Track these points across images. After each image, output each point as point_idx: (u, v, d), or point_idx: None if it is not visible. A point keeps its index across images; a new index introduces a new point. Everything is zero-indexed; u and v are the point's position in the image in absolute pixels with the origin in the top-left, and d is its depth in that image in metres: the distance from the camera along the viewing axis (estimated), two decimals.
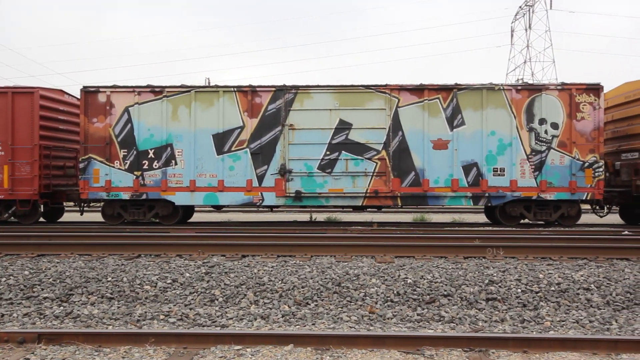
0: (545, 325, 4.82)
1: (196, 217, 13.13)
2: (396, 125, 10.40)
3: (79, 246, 7.27)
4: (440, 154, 10.44)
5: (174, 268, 6.24)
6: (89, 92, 10.40)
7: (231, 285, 5.71)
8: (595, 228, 10.35)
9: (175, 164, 10.47)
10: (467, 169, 10.46)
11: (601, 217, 11.72)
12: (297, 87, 10.49)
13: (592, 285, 5.78)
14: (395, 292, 5.53)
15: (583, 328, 4.74)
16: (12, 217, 10.56)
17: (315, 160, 10.43)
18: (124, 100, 10.45)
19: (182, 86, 10.57)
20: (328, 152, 10.41)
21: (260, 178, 10.49)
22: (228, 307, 5.25)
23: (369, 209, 11.18)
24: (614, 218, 12.30)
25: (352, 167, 10.43)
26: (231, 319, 4.90)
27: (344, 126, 10.41)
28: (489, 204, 10.89)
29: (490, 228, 10.32)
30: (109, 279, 5.84)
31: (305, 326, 4.73)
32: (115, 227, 10.15)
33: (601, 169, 10.40)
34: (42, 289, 5.56)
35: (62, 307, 5.15)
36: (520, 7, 38.46)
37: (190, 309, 5.18)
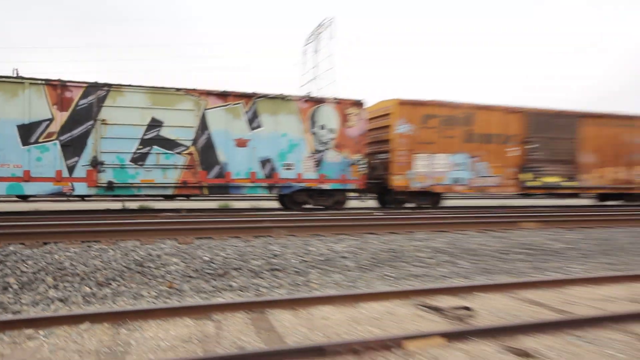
0: (312, 286, 5.35)
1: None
2: (204, 125, 11.56)
3: None
4: (241, 150, 11.82)
5: None
6: None
7: (28, 272, 5.34)
8: (357, 210, 12.55)
9: None
10: (263, 163, 12.00)
11: (363, 201, 14.82)
12: (109, 85, 10.99)
13: (348, 254, 6.61)
14: (193, 268, 5.69)
15: (339, 286, 5.40)
16: None
17: (128, 154, 11.04)
18: None
19: None
20: (140, 147, 11.11)
21: (71, 169, 10.72)
22: (24, 294, 4.86)
23: (179, 198, 12.23)
24: (373, 203, 14.96)
25: (163, 160, 11.28)
26: (26, 304, 4.57)
27: (155, 123, 11.22)
28: (281, 193, 12.52)
29: (280, 212, 11.78)
30: None
31: (105, 305, 4.60)
32: None
33: (364, 166, 12.78)
34: None
35: None
36: (310, 35, 43.93)
37: None
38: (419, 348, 3.47)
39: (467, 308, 4.42)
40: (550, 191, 15.00)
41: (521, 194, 14.89)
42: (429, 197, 13.92)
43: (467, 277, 6.15)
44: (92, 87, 10.95)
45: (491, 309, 4.63)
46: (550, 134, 14.81)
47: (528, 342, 3.67)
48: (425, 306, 4.60)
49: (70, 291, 4.96)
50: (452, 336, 3.61)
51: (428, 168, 13.53)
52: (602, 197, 17.16)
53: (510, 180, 14.42)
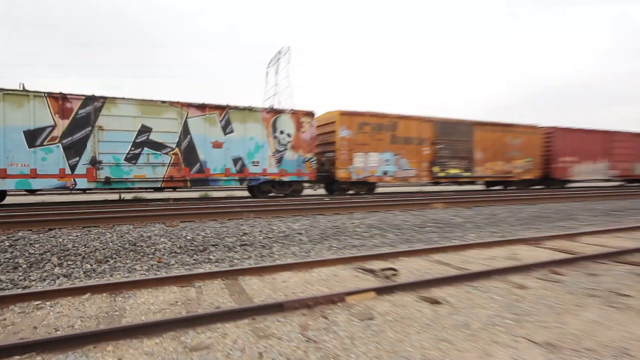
0: (275, 257, 5.36)
1: (11, 200, 11.83)
2: (186, 130, 11.25)
3: None
4: (217, 151, 11.61)
5: None
6: None
7: (35, 254, 5.06)
8: (310, 197, 12.63)
9: None
10: (235, 161, 11.84)
11: (315, 190, 14.94)
12: (105, 97, 10.45)
13: (303, 231, 6.70)
14: (178, 245, 5.56)
15: (296, 256, 5.44)
16: None
17: (122, 154, 10.59)
18: None
19: None
20: (133, 148, 10.68)
21: (73, 167, 10.19)
22: (31, 272, 4.56)
23: (167, 190, 11.89)
24: (322, 191, 15.15)
25: (152, 159, 10.88)
26: (35, 280, 4.33)
27: (145, 129, 10.79)
28: (250, 184, 12.40)
29: (249, 200, 11.73)
30: None
31: (103, 278, 4.38)
32: None
33: (314, 162, 12.90)
34: None
35: None
36: (270, 59, 44.04)
37: None
38: (357, 301, 3.53)
39: (393, 269, 4.54)
40: (454, 180, 15.65)
41: (433, 182, 15.42)
42: (365, 186, 14.18)
43: (393, 246, 6.32)
44: (89, 99, 10.38)
45: (411, 269, 4.78)
46: (452, 137, 15.42)
47: (437, 292, 3.83)
48: (361, 269, 4.69)
49: (73, 268, 4.74)
50: (381, 291, 3.70)
51: (364, 163, 13.77)
52: (489, 184, 18.08)
53: (424, 172, 14.93)
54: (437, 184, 15.67)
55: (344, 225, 7.33)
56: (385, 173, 14.14)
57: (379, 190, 18.33)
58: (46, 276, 4.46)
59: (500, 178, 16.65)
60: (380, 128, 14.02)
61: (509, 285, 4.09)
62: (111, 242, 5.62)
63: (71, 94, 10.24)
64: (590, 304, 3.58)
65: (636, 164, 20.45)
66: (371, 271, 4.55)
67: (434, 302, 3.52)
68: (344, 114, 13.48)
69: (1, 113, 9.55)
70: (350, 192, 14.10)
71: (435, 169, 15.05)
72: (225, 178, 11.86)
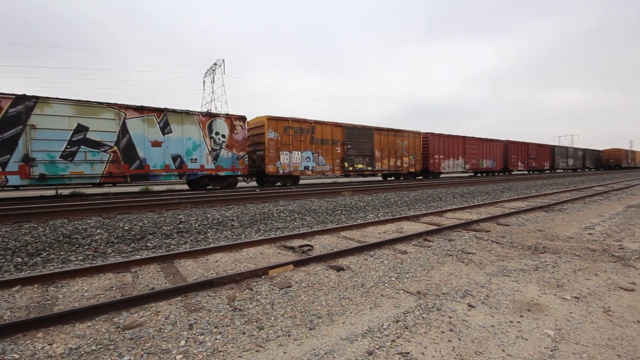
0: (209, 241, 5.11)
1: None
2: (124, 130, 10.10)
3: None
4: (157, 149, 10.60)
5: None
6: None
7: None
8: (243, 189, 12.22)
9: None
10: (174, 158, 10.94)
11: (247, 183, 14.58)
12: (37, 97, 8.88)
13: (235, 217, 6.49)
14: (115, 236, 5.07)
15: (228, 239, 5.05)
16: None
17: (58, 152, 9.12)
18: None
19: None
20: (69, 146, 9.27)
21: (4, 165, 8.52)
22: None
23: (107, 185, 10.59)
24: (254, 183, 15.10)
25: (90, 157, 9.58)
26: None
27: (81, 129, 9.43)
28: (189, 179, 11.63)
29: (188, 192, 10.99)
30: None
31: (35, 270, 3.87)
32: None
33: (246, 159, 12.51)
34: None
35: None
36: (207, 69, 42.68)
37: None
38: (278, 273, 3.53)
39: (309, 245, 4.63)
40: (359, 173, 16.44)
41: (344, 175, 16.01)
42: (291, 179, 14.18)
43: (310, 227, 6.43)
44: (19, 99, 8.72)
45: (323, 244, 4.91)
46: (358, 139, 16.17)
47: (342, 261, 4.00)
48: (284, 247, 4.69)
49: (2, 263, 4.06)
50: (298, 263, 3.75)
51: (288, 160, 13.75)
52: (385, 176, 19.38)
53: (337, 167, 15.42)
54: (347, 176, 16.30)
55: (270, 212, 7.27)
56: (306, 168, 14.31)
57: (302, 182, 18.49)
58: None
59: (393, 171, 17.94)
60: (301, 131, 14.12)
61: (394, 252, 4.43)
62: (44, 235, 4.96)
63: (1, 94, 8.51)
64: (447, 261, 4.06)
65: (481, 160, 23.66)
66: (291, 248, 4.58)
67: (340, 269, 3.67)
68: (271, 119, 13.30)
69: None
70: (278, 184, 14.00)
71: (346, 164, 15.66)
72: (165, 173, 10.89)
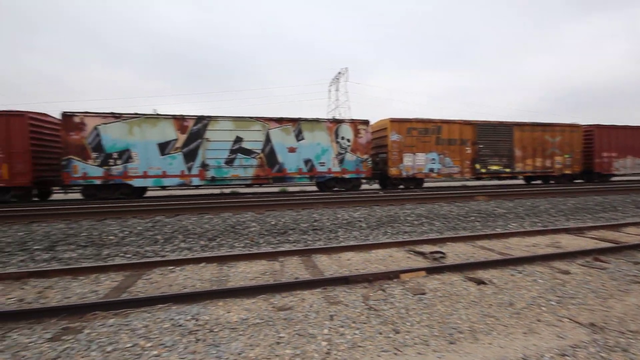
0: (340, 240, 5.42)
1: (148, 194, 13.33)
2: (268, 139, 11.71)
3: (61, 215, 6.55)
4: (292, 154, 11.90)
5: (130, 225, 5.84)
6: (67, 115, 10.11)
7: (168, 232, 5.46)
8: (367, 191, 12.40)
9: (133, 161, 10.60)
10: (306, 162, 12.04)
11: (370, 185, 14.66)
12: (210, 117, 11.28)
13: (362, 218, 6.62)
14: (265, 229, 5.77)
15: (357, 239, 5.47)
16: (12, 199, 9.98)
17: (222, 159, 11.28)
18: (94, 121, 10.31)
19: (135, 114, 10.77)
20: (230, 154, 11.36)
21: (190, 169, 11.04)
22: (166, 245, 4.97)
23: (255, 185, 12.47)
24: (377, 186, 14.95)
25: (244, 162, 11.48)
26: (168, 252, 4.74)
27: (238, 139, 11.42)
28: (318, 181, 12.56)
29: (318, 193, 11.84)
30: (83, 234, 5.29)
31: (213, 252, 4.68)
32: (91, 202, 10.17)
33: (370, 162, 12.66)
34: (33, 244, 4.92)
35: (48, 254, 4.57)
36: (332, 79, 44.78)
37: (141, 248, 4.87)
38: (409, 278, 3.44)
39: (441, 252, 4.34)
40: (494, 175, 14.39)
41: (475, 178, 14.33)
42: (414, 181, 13.63)
43: (440, 233, 6.02)
44: (200, 118, 11.26)
45: (457, 253, 4.52)
46: (492, 137, 14.19)
47: (482, 274, 3.58)
48: (413, 252, 4.54)
49: (192, 244, 5.18)
50: (431, 270, 3.56)
51: (412, 162, 13.23)
52: (528, 178, 16.35)
53: (467, 169, 13.93)
54: (479, 179, 14.52)
55: (396, 215, 7.15)
56: (431, 170, 13.46)
57: (427, 185, 17.50)
58: (175, 249, 4.97)
59: (540, 173, 14.95)
60: (426, 132, 13.37)
61: (552, 270, 3.69)
62: (217, 225, 6.08)
63: (187, 115, 11.22)
64: (635, 290, 3.11)
65: None
66: (421, 253, 4.39)
67: (480, 282, 3.30)
68: (393, 121, 13.08)
69: (142, 132, 10.78)
70: (401, 187, 13.64)
71: (477, 165, 13.98)
72: (299, 176, 12.14)
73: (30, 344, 2.22)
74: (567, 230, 5.68)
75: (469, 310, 2.72)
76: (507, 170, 14.33)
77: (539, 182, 16.38)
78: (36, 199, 10.96)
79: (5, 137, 9.56)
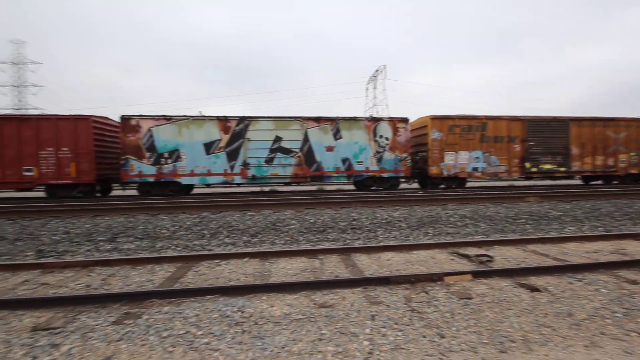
0: (379, 239, 5.31)
1: (195, 191, 14.12)
2: (306, 138, 11.87)
3: (121, 209, 7.16)
4: (330, 153, 11.94)
5: (180, 220, 6.22)
6: (125, 119, 11.00)
7: (213, 228, 5.70)
8: (406, 190, 12.11)
9: (181, 160, 11.24)
10: (344, 161, 12.01)
11: (409, 185, 14.26)
12: (251, 117, 11.68)
13: (402, 218, 6.48)
14: (304, 227, 5.85)
15: (397, 239, 5.33)
16: (79, 194, 11.10)
17: (262, 158, 11.63)
18: (148, 123, 11.12)
19: (184, 116, 11.43)
20: (269, 153, 11.67)
21: (232, 168, 11.52)
22: (212, 240, 5.19)
23: (293, 184, 12.69)
24: (416, 185, 14.40)
25: (283, 161, 11.74)
26: (214, 246, 4.93)
27: (277, 139, 11.70)
28: (356, 180, 12.49)
29: (356, 192, 11.72)
30: (140, 227, 5.73)
31: (255, 247, 4.84)
32: (146, 198, 10.98)
33: (409, 161, 12.37)
34: (98, 235, 5.38)
35: (111, 245, 4.96)
36: (370, 76, 44.10)
37: (190, 242, 5.12)
38: (455, 281, 3.30)
39: (487, 256, 4.12)
40: (547, 175, 13.30)
41: (524, 178, 13.35)
42: (456, 181, 13.04)
43: (486, 235, 5.71)
44: (241, 119, 11.69)
45: (505, 257, 4.26)
46: (545, 134, 13.12)
47: (535, 281, 3.34)
48: (457, 254, 4.36)
49: (236, 239, 5.37)
50: (477, 274, 3.39)
51: (454, 161, 12.67)
52: (587, 178, 14.89)
53: (515, 168, 13.04)
54: (529, 178, 13.49)
55: (438, 215, 6.89)
56: (474, 169, 12.78)
57: (470, 184, 16.65)
58: (220, 243, 5.20)
59: (601, 172, 13.55)
60: (469, 129, 12.72)
61: (617, 279, 3.34)
62: (259, 221, 6.28)
63: (230, 116, 11.71)
64: None
65: None
66: (466, 256, 4.19)
67: (533, 289, 3.08)
68: (435, 118, 12.60)
69: (190, 132, 11.43)
70: (442, 186, 13.11)
71: (527, 164, 13.01)
72: (336, 175, 12.15)
73: (97, 326, 2.46)
74: (634, 236, 5.11)
75: (521, 319, 2.55)
76: (562, 169, 13.18)
77: (599, 182, 14.85)
78: (99, 194, 12.08)
79: (73, 139, 10.65)
